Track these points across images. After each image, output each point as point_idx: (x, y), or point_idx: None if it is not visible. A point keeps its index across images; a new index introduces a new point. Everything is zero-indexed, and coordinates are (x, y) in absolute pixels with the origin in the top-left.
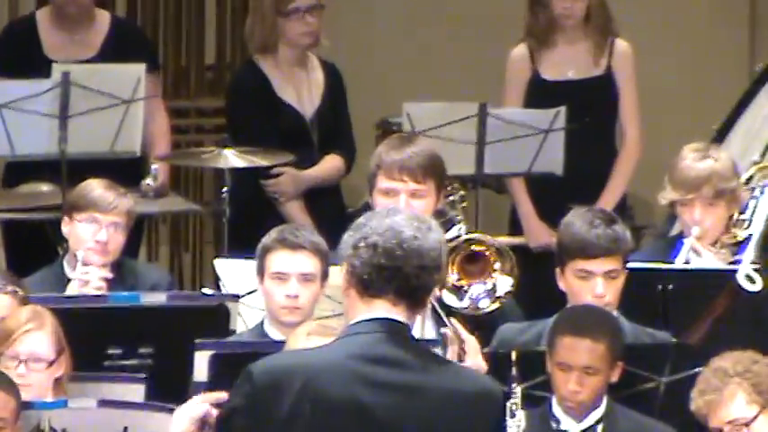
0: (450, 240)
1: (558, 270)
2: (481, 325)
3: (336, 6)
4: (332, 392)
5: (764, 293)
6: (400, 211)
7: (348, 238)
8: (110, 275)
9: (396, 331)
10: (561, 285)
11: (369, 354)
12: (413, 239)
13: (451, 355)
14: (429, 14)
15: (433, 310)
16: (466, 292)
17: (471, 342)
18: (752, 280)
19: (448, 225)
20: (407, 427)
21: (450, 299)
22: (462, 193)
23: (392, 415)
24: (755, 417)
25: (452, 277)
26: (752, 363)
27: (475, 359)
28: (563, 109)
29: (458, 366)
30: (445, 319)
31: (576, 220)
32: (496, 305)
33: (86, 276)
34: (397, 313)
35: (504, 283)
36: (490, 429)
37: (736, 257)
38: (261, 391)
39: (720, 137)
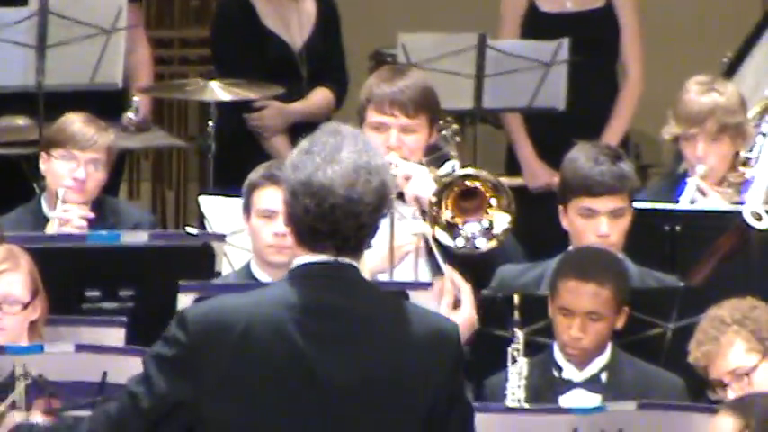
0: (444, 176)
1: (560, 208)
2: (478, 264)
3: None
4: (272, 350)
5: None
6: (341, 153)
7: (288, 171)
8: (90, 215)
9: (340, 276)
10: (564, 224)
11: (311, 303)
12: (346, 202)
13: (444, 305)
14: None
15: (429, 250)
16: (461, 230)
17: (466, 292)
18: (758, 217)
19: (441, 160)
20: (354, 382)
21: (443, 237)
22: (456, 126)
23: (336, 370)
24: (756, 366)
25: (446, 214)
26: (750, 309)
27: (469, 311)
28: (566, 41)
29: (409, 308)
30: (442, 265)
31: (580, 156)
32: (494, 243)
33: (66, 215)
34: (342, 257)
35: (502, 221)
36: (446, 373)
37: (743, 197)
38: (195, 341)
39: (731, 71)
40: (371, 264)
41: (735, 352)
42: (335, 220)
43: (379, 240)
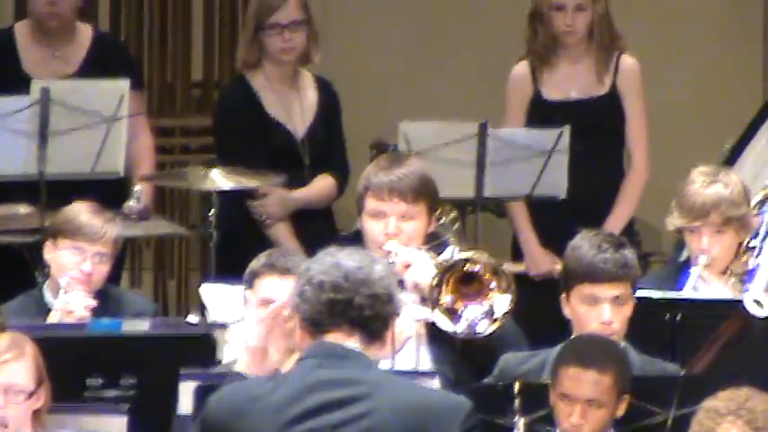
0: (444, 261)
1: (563, 296)
2: (481, 351)
3: (332, 22)
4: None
5: None
6: (341, 250)
7: (295, 287)
8: (94, 303)
9: (335, 354)
10: (566, 312)
11: (308, 381)
12: (357, 270)
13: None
14: (428, 31)
15: (430, 337)
16: (461, 314)
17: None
18: (760, 304)
19: (441, 248)
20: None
21: (444, 322)
22: (454, 214)
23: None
24: None
25: (447, 299)
26: (745, 400)
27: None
28: (566, 129)
29: (415, 384)
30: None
31: (584, 243)
32: (495, 326)
33: (69, 306)
34: (351, 342)
35: (503, 303)
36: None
37: (746, 286)
38: (212, 423)
39: (732, 159)
40: None
41: None
42: (349, 288)
43: None
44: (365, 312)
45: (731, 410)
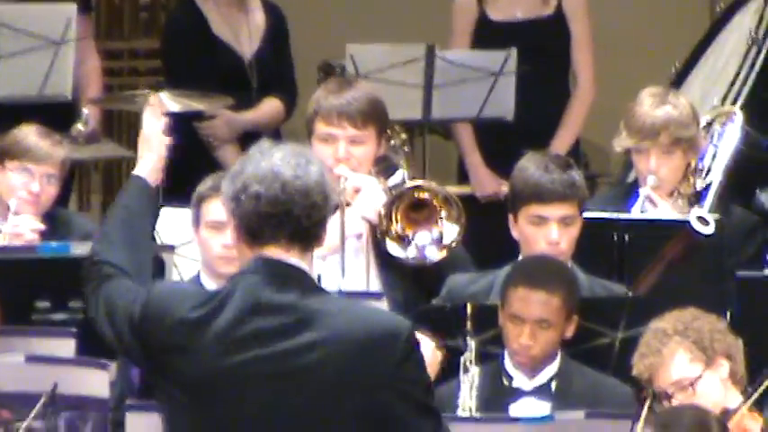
0: (394, 187)
1: (510, 217)
2: (428, 274)
3: None
4: (208, 346)
5: (718, 241)
6: (273, 150)
7: (227, 188)
8: (42, 227)
9: (277, 273)
10: (514, 233)
11: (258, 301)
12: (295, 180)
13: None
14: None
15: (375, 244)
16: (411, 240)
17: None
18: (705, 222)
19: (390, 171)
20: (288, 381)
21: (394, 248)
22: (404, 137)
23: (269, 369)
24: (700, 376)
25: (397, 226)
26: (692, 320)
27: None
28: (514, 50)
29: (354, 307)
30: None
31: (530, 164)
32: (443, 254)
33: (18, 229)
34: (290, 257)
35: (452, 232)
36: (388, 373)
37: (693, 209)
38: (138, 317)
39: (679, 80)
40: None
41: (678, 363)
42: (287, 201)
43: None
44: (303, 223)
45: (678, 331)
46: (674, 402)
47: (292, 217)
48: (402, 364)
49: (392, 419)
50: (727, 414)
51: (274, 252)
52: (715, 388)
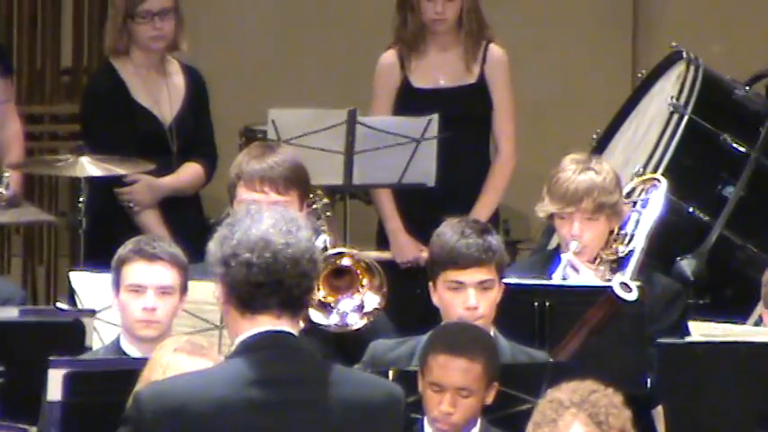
0: None
1: (430, 284)
2: (351, 340)
3: (200, 8)
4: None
5: (640, 308)
6: (263, 214)
7: (215, 251)
8: None
9: (286, 345)
10: (434, 300)
11: (263, 376)
12: (286, 248)
13: None
14: (297, 18)
15: None
16: (333, 308)
17: None
18: (628, 288)
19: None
20: None
21: (317, 316)
22: (326, 201)
23: None
24: None
25: (319, 294)
26: (590, 393)
27: None
28: (435, 116)
29: (356, 373)
30: None
31: (448, 230)
32: (365, 321)
33: None
34: (282, 324)
35: (373, 300)
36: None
37: (616, 275)
38: (149, 420)
39: (601, 147)
40: None
41: None
42: (278, 269)
43: None
44: (294, 292)
45: (574, 402)
46: None
47: (284, 286)
48: (401, 428)
49: None
50: None
51: (266, 321)
52: None
